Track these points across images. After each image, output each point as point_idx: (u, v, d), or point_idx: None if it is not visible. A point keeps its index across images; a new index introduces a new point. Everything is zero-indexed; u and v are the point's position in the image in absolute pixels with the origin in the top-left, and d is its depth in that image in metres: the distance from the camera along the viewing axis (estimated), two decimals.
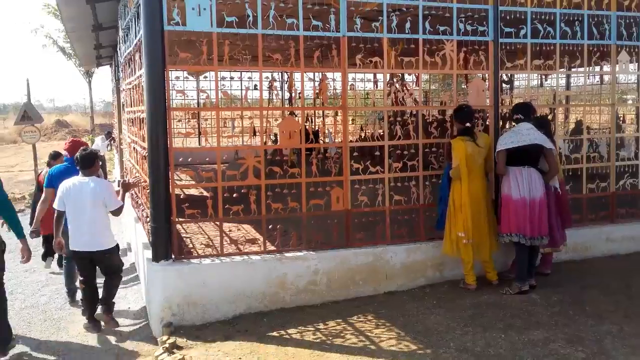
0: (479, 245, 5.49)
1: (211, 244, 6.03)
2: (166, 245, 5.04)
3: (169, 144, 4.99)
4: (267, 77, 8.53)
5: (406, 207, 5.73)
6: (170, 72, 4.99)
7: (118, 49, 9.62)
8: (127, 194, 6.74)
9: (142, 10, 4.87)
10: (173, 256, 5.08)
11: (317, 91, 6.32)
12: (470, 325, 4.70)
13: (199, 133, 12.15)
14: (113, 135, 16.73)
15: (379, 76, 12.15)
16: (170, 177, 5.01)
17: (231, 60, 5.19)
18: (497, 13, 5.84)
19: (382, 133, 6.53)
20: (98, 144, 15.99)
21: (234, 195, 5.27)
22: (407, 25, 5.51)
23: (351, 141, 5.62)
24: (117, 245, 5.53)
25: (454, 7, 5.66)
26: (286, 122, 5.39)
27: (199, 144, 13.36)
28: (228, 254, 5.28)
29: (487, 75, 6.13)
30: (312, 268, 5.29)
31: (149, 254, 5.28)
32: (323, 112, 11.39)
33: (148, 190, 5.36)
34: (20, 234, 5.03)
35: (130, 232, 7.89)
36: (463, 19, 5.73)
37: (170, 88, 5.10)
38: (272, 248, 5.37)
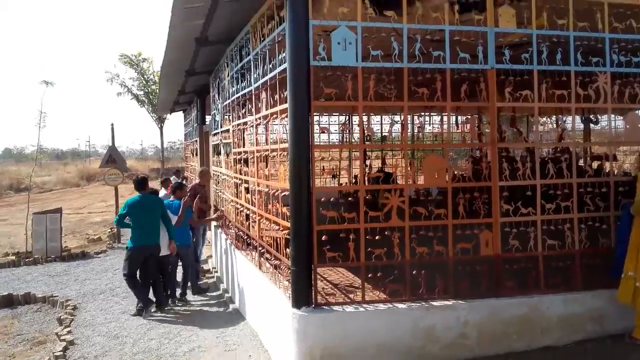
0: None
1: (334, 290, 5.66)
2: (307, 290, 4.74)
3: (311, 184, 4.74)
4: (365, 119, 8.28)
5: (560, 252, 5.22)
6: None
7: (216, 92, 9.56)
8: (231, 234, 6.91)
9: (288, 45, 4.71)
10: (313, 303, 4.76)
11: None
12: None
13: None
14: (184, 175, 16.66)
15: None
16: (313, 217, 4.72)
17: (375, 94, 4.94)
18: None
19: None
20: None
21: (377, 237, 4.91)
22: (559, 56, 5.15)
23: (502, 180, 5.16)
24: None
25: (607, 37, 5.29)
26: (431, 160, 5.06)
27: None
28: (370, 301, 4.90)
29: None
30: (461, 319, 4.83)
31: (279, 298, 4.98)
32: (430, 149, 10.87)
33: (275, 230, 5.11)
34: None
35: (237, 276, 7.56)
36: (616, 50, 5.33)
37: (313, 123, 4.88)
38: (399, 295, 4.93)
